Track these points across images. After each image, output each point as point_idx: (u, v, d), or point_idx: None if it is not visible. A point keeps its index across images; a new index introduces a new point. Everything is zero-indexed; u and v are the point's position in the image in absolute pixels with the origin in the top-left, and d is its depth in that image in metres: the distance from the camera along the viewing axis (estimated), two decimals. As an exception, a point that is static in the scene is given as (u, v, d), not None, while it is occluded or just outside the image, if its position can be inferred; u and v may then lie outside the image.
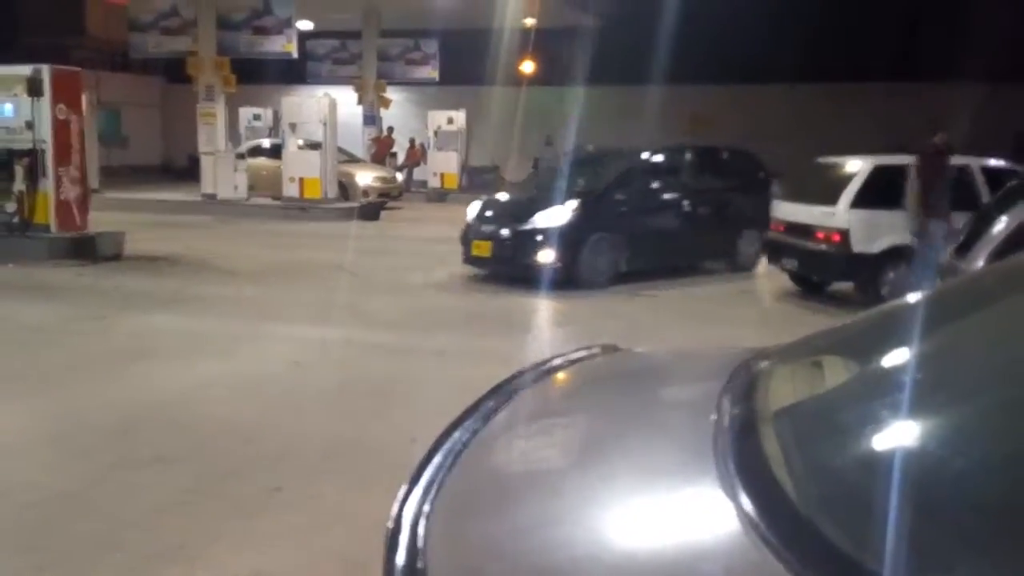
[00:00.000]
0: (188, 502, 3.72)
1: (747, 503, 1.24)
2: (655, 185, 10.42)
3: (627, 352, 2.36)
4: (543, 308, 8.62)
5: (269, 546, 3.36)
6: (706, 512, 1.31)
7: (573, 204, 9.42)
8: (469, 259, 9.80)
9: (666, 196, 10.39)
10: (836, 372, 1.80)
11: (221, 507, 3.69)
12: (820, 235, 8.65)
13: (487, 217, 9.94)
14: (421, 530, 1.33)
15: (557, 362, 2.14)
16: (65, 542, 3.34)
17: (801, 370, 1.86)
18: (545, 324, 8.15)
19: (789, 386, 1.76)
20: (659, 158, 10.92)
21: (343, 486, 3.90)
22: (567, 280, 9.19)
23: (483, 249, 9.60)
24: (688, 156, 11.33)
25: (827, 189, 8.82)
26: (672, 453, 1.54)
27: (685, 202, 10.42)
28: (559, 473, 1.53)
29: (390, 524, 1.36)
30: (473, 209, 10.20)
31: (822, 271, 9.14)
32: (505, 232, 9.50)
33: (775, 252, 9.61)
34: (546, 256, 9.16)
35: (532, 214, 9.44)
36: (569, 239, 9.20)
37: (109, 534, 3.41)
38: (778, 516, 1.21)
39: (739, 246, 10.90)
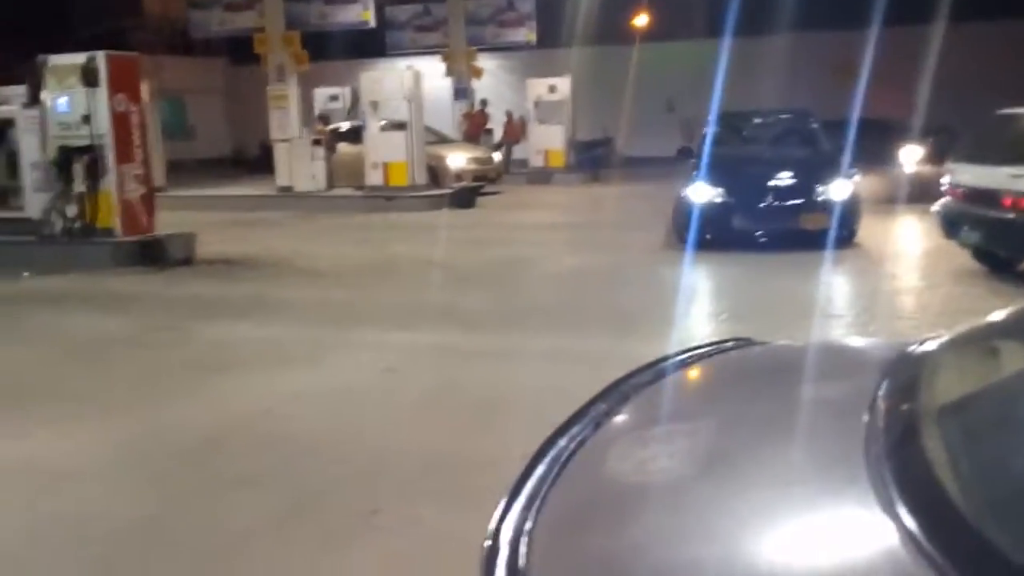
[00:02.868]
0: (276, 529, 3.87)
1: (906, 515, 1.23)
2: None
3: (764, 346, 2.34)
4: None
5: (365, 578, 3.47)
6: (857, 527, 1.30)
7: None
8: None
9: None
10: (1017, 360, 1.75)
11: (313, 533, 3.83)
12: (1007, 202, 8.34)
13: None
14: (523, 549, 1.37)
15: (681, 358, 2.14)
16: (143, 576, 3.53)
17: (974, 360, 1.81)
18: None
19: (958, 379, 1.72)
20: None
21: (444, 507, 3.99)
22: None
23: None
24: None
25: (1016, 147, 8.50)
26: (817, 460, 1.53)
27: None
28: (683, 484, 1.54)
29: (487, 542, 1.40)
30: None
31: (1011, 245, 8.78)
32: None
33: (952, 224, 9.28)
34: None
35: None
36: None
37: (189, 567, 3.59)
38: (943, 529, 1.19)
39: None
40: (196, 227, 12.14)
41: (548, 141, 23.19)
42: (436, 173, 19.26)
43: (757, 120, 14.20)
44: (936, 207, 9.72)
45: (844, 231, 10.67)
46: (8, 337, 7.72)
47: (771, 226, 11.04)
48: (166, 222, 11.93)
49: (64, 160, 11.05)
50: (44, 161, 11.14)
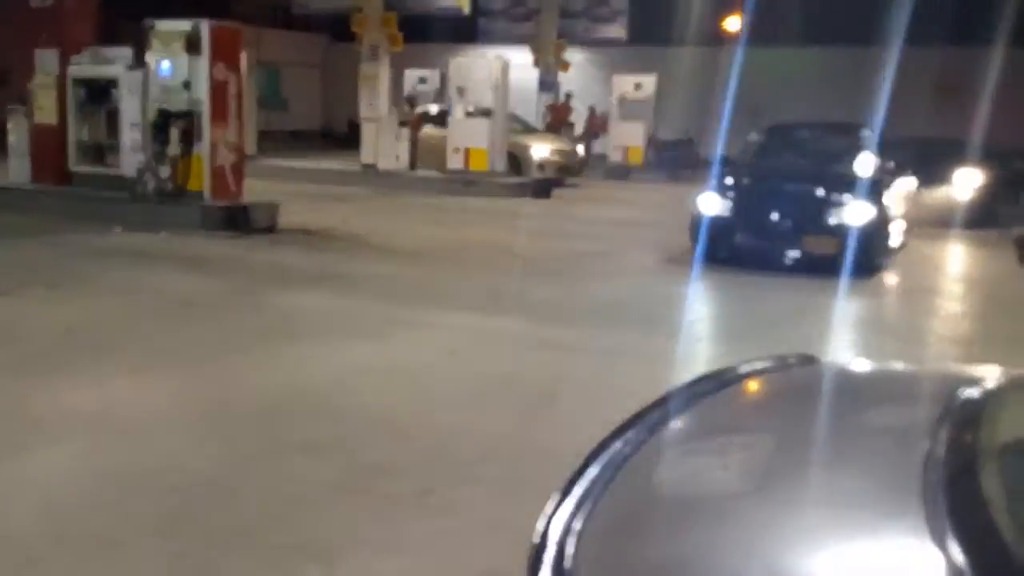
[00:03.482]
0: (334, 497, 3.95)
1: (957, 553, 1.21)
2: None
3: (827, 365, 2.31)
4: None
5: (413, 554, 3.51)
6: (906, 558, 1.29)
7: None
8: None
9: None
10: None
11: (364, 506, 3.89)
12: None
13: None
14: (570, 549, 1.37)
15: (742, 371, 2.12)
16: (205, 531, 3.62)
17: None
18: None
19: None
20: None
21: (494, 494, 4.02)
22: None
23: None
24: None
25: None
26: (871, 486, 1.51)
27: None
28: (733, 497, 1.53)
29: (535, 539, 1.41)
30: None
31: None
32: None
33: None
34: None
35: None
36: None
37: (250, 526, 3.67)
38: (992, 568, 1.17)
39: None
40: (281, 196, 12.36)
41: (629, 138, 23.03)
42: (519, 161, 19.26)
43: (803, 133, 13.08)
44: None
45: (862, 258, 9.32)
46: (96, 288, 7.97)
47: (773, 246, 9.97)
48: (253, 189, 12.16)
49: (162, 123, 11.32)
50: (143, 122, 11.42)
